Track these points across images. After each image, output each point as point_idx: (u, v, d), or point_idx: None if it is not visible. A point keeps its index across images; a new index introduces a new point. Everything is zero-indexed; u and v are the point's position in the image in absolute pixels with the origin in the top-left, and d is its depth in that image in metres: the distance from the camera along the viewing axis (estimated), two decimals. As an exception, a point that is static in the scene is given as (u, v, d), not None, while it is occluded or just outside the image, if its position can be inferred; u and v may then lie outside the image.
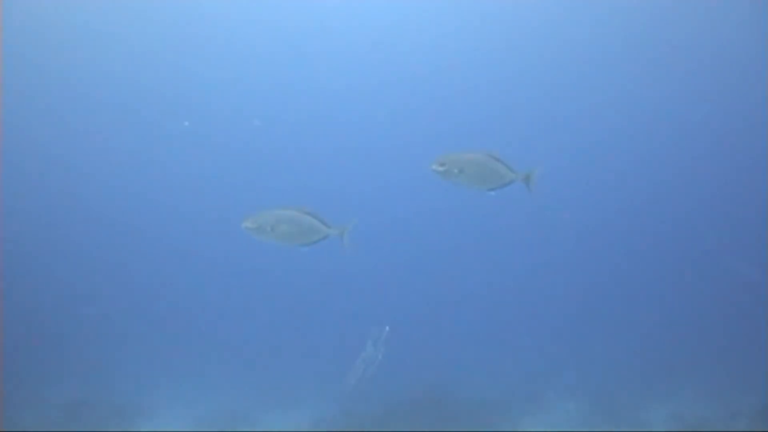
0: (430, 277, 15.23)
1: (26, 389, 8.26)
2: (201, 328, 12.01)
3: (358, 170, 16.12)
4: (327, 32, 15.43)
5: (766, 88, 15.36)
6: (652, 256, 15.64)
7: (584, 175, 16.69)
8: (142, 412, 8.23)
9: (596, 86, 16.63)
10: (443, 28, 15.43)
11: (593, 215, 16.49)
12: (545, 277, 15.51)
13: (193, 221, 14.94)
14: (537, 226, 15.85)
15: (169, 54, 15.61)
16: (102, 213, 14.92)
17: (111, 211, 14.98)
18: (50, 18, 14.41)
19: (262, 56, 15.97)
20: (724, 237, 15.33)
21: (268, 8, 15.21)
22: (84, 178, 15.31)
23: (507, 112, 16.43)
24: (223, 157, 16.08)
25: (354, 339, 12.48)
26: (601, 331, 12.76)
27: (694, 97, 16.69)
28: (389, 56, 15.75)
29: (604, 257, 16.08)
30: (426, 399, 10.16)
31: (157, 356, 10.41)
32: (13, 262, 12.75)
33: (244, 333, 12.02)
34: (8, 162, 13.17)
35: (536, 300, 14.70)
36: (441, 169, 4.64)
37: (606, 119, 16.92)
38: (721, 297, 13.64)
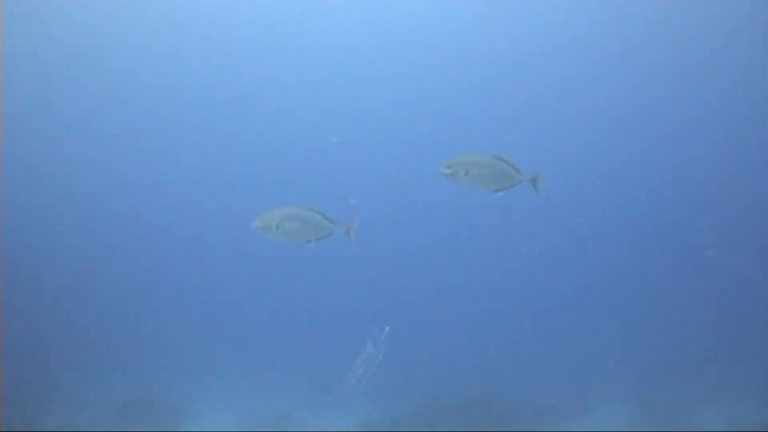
0: (475, 280, 15.23)
1: (79, 390, 8.66)
2: (247, 329, 12.22)
3: (366, 168, 16.23)
4: (331, 31, 15.57)
5: (767, 88, 15.29)
6: (690, 255, 15.22)
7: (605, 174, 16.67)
8: (190, 412, 8.47)
9: (596, 86, 16.55)
10: (447, 27, 15.35)
11: (624, 215, 16.30)
12: (583, 279, 15.29)
13: (218, 220, 15.16)
14: (568, 228, 15.81)
15: (174, 52, 15.89)
16: (132, 217, 15.42)
17: (143, 215, 15.52)
18: (52, 15, 14.78)
19: (269, 54, 16.17)
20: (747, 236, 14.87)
21: (274, 6, 15.46)
22: (105, 180, 15.77)
23: (508, 110, 16.39)
24: (230, 154, 16.37)
25: (402, 340, 12.61)
26: (646, 331, 12.48)
27: (695, 97, 16.46)
28: (393, 55, 15.74)
29: (641, 259, 15.74)
30: (473, 401, 10.16)
31: (205, 357, 10.67)
32: (59, 265, 13.41)
33: (290, 333, 12.18)
34: (10, 162, 13.77)
35: (579, 301, 14.48)
36: (448, 171, 4.75)
37: (605, 119, 16.81)
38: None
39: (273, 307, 13.56)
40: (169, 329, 11.46)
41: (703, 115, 16.54)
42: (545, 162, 4.89)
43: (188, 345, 11.07)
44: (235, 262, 14.47)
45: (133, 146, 16.04)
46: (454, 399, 10.13)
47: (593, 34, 15.81)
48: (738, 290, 13.91)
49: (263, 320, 13.00)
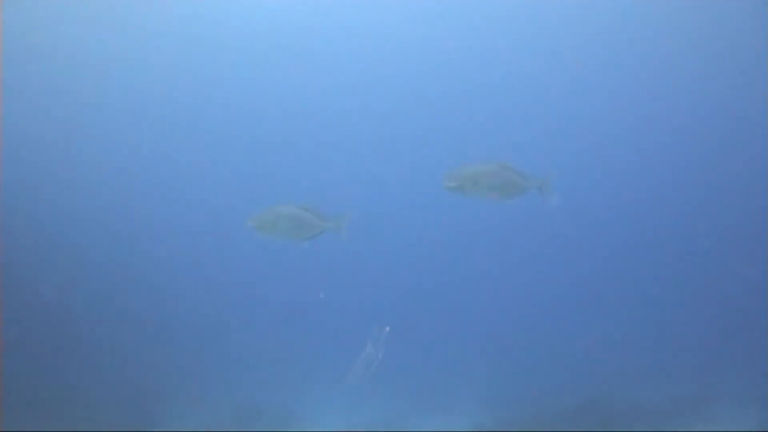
0: (575, 278, 14.66)
1: (195, 391, 9.20)
2: (354, 332, 12.26)
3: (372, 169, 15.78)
4: (327, 29, 15.32)
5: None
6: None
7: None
8: (301, 417, 8.67)
9: (595, 88, 15.97)
10: (448, 25, 14.78)
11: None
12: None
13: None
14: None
15: (169, 52, 15.87)
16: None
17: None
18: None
19: (265, 53, 16.11)
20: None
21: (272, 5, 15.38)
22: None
23: (508, 111, 15.86)
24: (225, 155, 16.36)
25: (510, 342, 12.33)
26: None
27: (696, 97, 15.74)
28: (392, 54, 15.34)
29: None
30: (583, 404, 9.76)
31: (313, 361, 10.92)
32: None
33: (396, 336, 12.17)
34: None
35: (692, 300, 13.35)
36: (454, 184, 4.68)
37: (605, 121, 16.20)
38: None
39: (379, 306, 13.64)
40: (278, 332, 11.84)
41: (704, 117, 15.93)
42: (546, 164, 4.73)
43: (296, 347, 11.35)
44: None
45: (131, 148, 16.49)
46: (566, 401, 9.79)
47: (593, 38, 15.34)
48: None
49: (365, 321, 13.13)
